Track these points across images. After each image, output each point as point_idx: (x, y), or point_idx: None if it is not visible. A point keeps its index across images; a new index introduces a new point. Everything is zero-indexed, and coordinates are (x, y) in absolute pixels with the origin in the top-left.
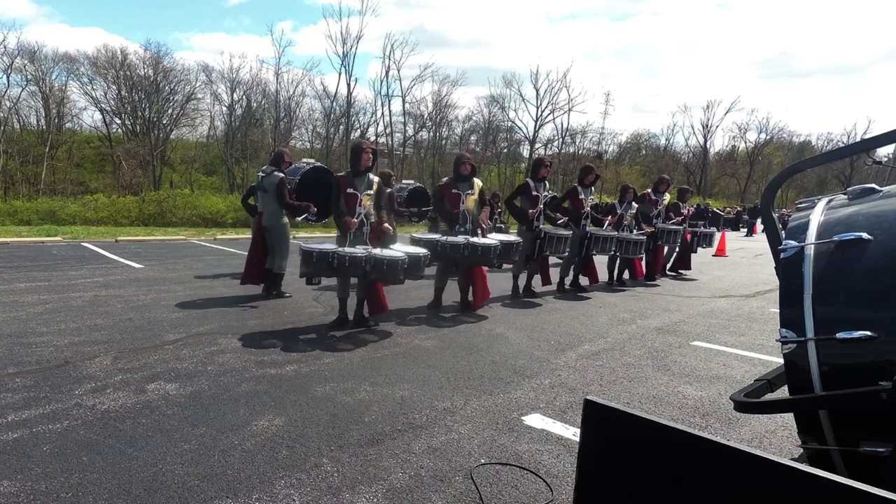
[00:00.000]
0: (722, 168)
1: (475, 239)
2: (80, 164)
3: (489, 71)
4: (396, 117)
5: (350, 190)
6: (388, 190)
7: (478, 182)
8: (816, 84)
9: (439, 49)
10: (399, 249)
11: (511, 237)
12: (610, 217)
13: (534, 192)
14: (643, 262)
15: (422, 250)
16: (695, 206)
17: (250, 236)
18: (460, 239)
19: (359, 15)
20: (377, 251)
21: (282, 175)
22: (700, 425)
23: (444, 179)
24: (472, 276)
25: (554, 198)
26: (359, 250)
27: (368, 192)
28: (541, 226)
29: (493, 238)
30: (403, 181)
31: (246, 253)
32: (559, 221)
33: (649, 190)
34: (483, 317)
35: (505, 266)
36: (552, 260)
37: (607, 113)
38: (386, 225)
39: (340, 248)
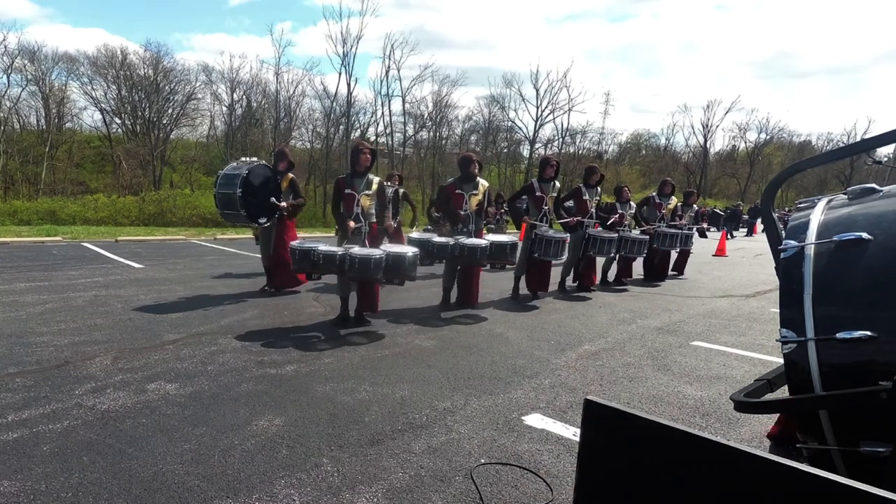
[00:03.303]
0: (722, 168)
1: (465, 240)
2: (80, 164)
3: (489, 71)
4: (396, 117)
5: (348, 190)
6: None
7: (483, 182)
8: (816, 84)
9: (439, 49)
10: (385, 248)
11: (505, 238)
12: (615, 217)
13: (538, 193)
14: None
15: (411, 250)
16: (696, 207)
17: (250, 237)
18: (449, 240)
19: (359, 16)
20: (355, 249)
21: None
22: (700, 425)
23: (449, 179)
24: (472, 275)
25: (598, 201)
26: (336, 249)
27: (367, 192)
28: (543, 227)
29: (489, 238)
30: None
31: (245, 253)
32: (564, 221)
33: (654, 193)
34: (483, 317)
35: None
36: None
37: (607, 113)
38: (389, 223)
39: (320, 246)
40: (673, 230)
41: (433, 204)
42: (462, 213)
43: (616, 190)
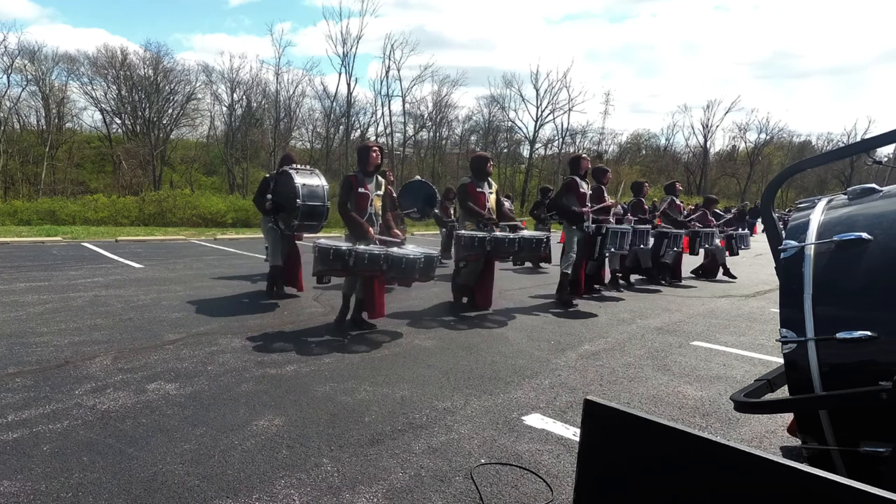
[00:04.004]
0: (722, 168)
1: (523, 231)
2: (80, 164)
3: (489, 71)
4: (396, 117)
5: (361, 189)
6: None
7: (492, 182)
8: (816, 84)
9: (439, 50)
10: (414, 250)
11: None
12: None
13: (581, 189)
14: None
15: (435, 252)
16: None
17: (250, 236)
18: (508, 233)
19: (359, 16)
20: (394, 250)
21: (266, 175)
22: (700, 425)
23: (467, 179)
24: (492, 278)
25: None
26: (376, 249)
27: (378, 192)
28: (592, 224)
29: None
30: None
31: (245, 253)
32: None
33: (672, 196)
34: (483, 317)
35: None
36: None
37: (607, 113)
38: (396, 231)
39: (358, 246)
40: (709, 229)
41: (440, 204)
42: (486, 209)
43: (637, 186)
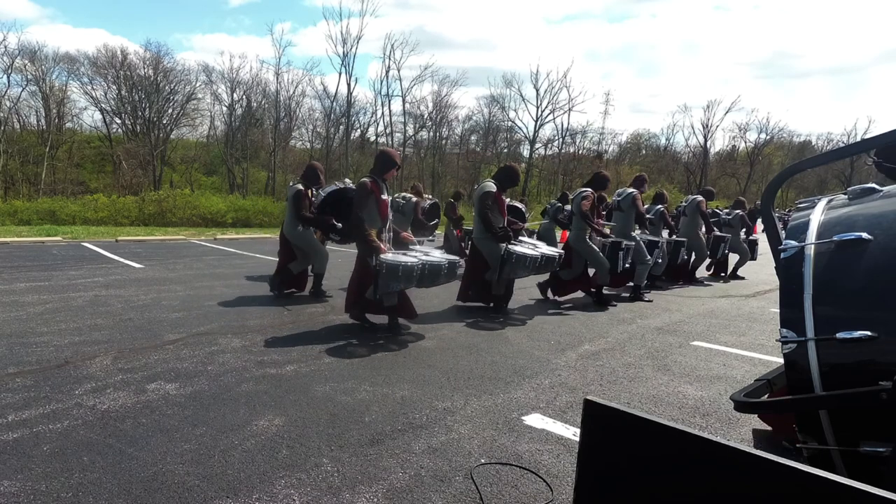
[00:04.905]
0: (722, 168)
1: (547, 249)
2: (80, 164)
3: (489, 71)
4: (396, 117)
5: (383, 196)
6: (415, 199)
7: None
8: (816, 84)
9: (439, 50)
10: (442, 255)
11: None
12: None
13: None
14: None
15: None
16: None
17: (250, 236)
18: (554, 251)
19: (359, 16)
20: (444, 256)
21: (299, 188)
22: (700, 425)
23: (493, 186)
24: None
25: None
26: (445, 256)
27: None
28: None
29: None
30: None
31: (245, 253)
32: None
33: (701, 199)
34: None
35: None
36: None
37: (607, 113)
38: (404, 235)
39: (428, 257)
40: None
41: (451, 207)
42: (506, 218)
43: (660, 196)
